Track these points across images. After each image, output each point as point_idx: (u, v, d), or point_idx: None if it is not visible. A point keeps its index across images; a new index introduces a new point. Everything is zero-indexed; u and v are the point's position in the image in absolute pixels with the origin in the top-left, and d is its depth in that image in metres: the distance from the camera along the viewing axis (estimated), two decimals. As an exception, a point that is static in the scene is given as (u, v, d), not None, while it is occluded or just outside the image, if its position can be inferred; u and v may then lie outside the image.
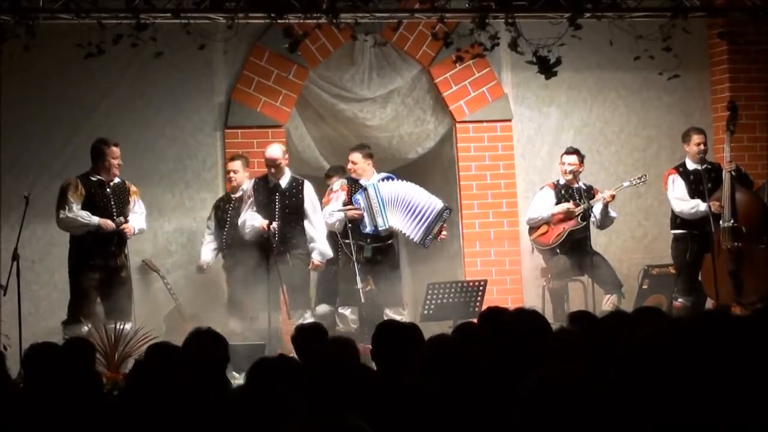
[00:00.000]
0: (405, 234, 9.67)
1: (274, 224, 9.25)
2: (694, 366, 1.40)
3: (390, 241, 9.74)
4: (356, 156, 9.67)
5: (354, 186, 9.64)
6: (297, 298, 9.32)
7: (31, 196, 8.98)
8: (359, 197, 9.59)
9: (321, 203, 9.65)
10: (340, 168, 10.03)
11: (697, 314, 1.50)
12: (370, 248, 9.56)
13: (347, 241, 9.41)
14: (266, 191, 9.45)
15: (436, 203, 9.68)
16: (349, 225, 9.43)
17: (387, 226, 9.56)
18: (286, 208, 9.40)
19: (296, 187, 9.50)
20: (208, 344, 5.02)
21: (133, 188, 9.30)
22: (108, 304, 9.00)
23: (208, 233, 9.83)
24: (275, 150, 9.48)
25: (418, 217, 9.61)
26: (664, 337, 1.45)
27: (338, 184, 9.74)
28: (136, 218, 9.26)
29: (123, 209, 9.11)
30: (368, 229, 9.57)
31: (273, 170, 9.44)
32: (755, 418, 1.38)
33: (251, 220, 9.33)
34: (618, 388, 1.44)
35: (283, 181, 9.48)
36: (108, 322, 8.83)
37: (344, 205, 9.55)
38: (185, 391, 3.65)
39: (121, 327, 8.73)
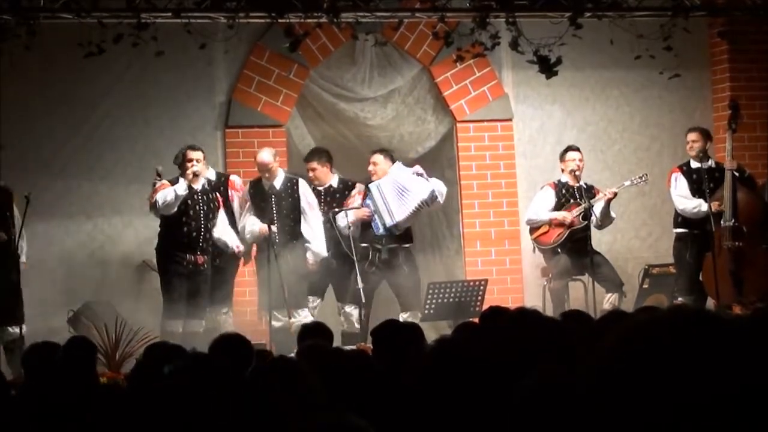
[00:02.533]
0: (419, 205, 9.62)
1: (274, 227, 9.26)
2: (673, 364, 1.40)
3: (408, 245, 9.74)
4: (378, 157, 9.73)
5: (368, 189, 9.73)
6: (297, 296, 9.33)
7: (31, 196, 8.97)
8: (368, 201, 9.64)
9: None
10: (321, 151, 9.83)
11: (676, 312, 1.50)
12: (386, 250, 9.56)
13: (364, 244, 9.47)
14: (262, 194, 9.45)
15: (425, 191, 9.63)
16: (350, 228, 9.42)
17: (395, 222, 9.57)
18: (284, 209, 9.41)
19: (291, 187, 9.50)
20: (232, 349, 4.97)
21: (15, 194, 9.09)
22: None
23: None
24: (266, 155, 9.47)
25: (405, 190, 9.62)
26: (640, 335, 1.45)
27: (357, 188, 9.75)
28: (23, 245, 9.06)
29: (5, 215, 8.99)
30: (380, 230, 9.59)
31: (267, 174, 9.45)
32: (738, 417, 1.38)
33: (251, 225, 9.31)
34: (597, 387, 1.44)
35: (278, 183, 9.47)
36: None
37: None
38: (186, 391, 3.64)
39: (14, 331, 8.69)
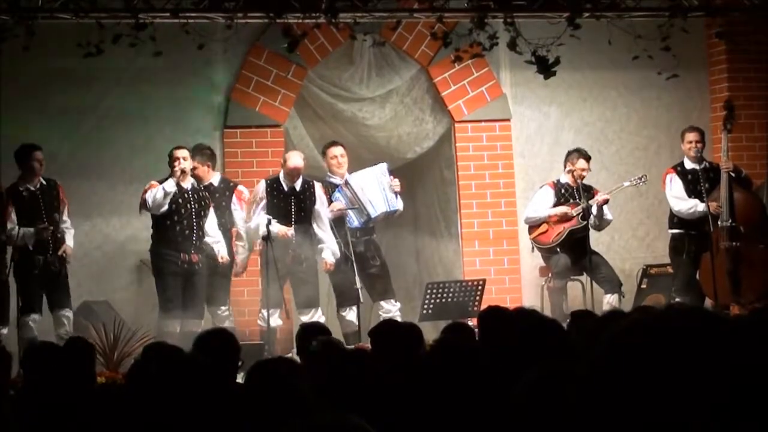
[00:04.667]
0: (385, 212, 9.68)
1: (291, 230, 9.30)
2: (667, 363, 1.41)
3: (374, 235, 9.79)
4: (340, 149, 9.73)
5: (330, 186, 9.68)
6: (313, 298, 9.41)
7: (30, 196, 8.99)
8: (339, 195, 9.63)
9: None
10: (202, 150, 9.68)
11: (672, 310, 1.51)
12: (362, 242, 9.61)
13: (337, 240, 9.47)
14: (281, 195, 9.46)
15: (379, 170, 9.78)
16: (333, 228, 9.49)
17: (377, 213, 9.61)
18: (302, 212, 9.47)
19: (309, 189, 9.54)
20: (218, 344, 4.97)
21: None
22: None
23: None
24: (299, 160, 9.53)
25: (383, 191, 9.68)
26: (637, 334, 1.46)
27: (317, 186, 9.73)
28: None
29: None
30: (356, 223, 9.62)
31: (296, 178, 9.48)
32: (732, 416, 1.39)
33: (265, 225, 9.23)
34: (593, 384, 1.45)
35: (297, 185, 9.51)
36: None
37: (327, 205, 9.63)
38: (185, 391, 3.64)
39: (2, 332, 8.72)
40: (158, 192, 9.05)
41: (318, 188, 9.58)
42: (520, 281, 10.70)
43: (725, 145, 9.97)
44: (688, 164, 10.00)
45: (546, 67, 9.23)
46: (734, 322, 1.48)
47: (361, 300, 9.32)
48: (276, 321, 9.26)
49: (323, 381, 3.52)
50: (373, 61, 10.51)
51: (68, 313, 8.94)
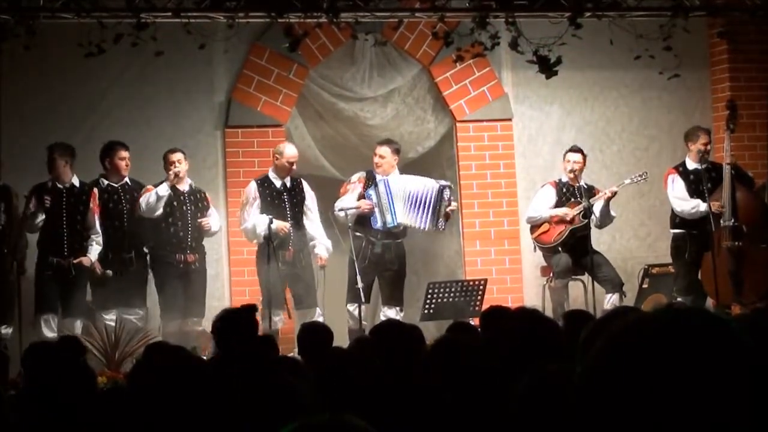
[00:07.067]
0: (414, 227, 9.69)
1: (288, 225, 9.31)
2: (664, 363, 1.40)
3: (400, 240, 9.75)
4: (385, 150, 9.73)
5: (370, 180, 9.69)
6: (311, 296, 9.42)
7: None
8: (372, 192, 9.63)
9: (339, 194, 9.75)
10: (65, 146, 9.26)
11: (669, 310, 1.50)
12: (380, 244, 9.59)
13: (358, 234, 9.47)
14: (274, 192, 9.46)
15: (432, 186, 9.71)
16: (350, 225, 9.45)
17: (396, 223, 9.60)
18: (295, 207, 9.49)
19: (298, 185, 9.62)
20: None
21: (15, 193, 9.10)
22: None
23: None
24: (295, 149, 9.59)
25: (422, 206, 9.65)
26: (633, 334, 1.46)
27: (357, 176, 9.77)
28: None
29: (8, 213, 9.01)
30: (378, 225, 9.61)
31: (290, 171, 9.49)
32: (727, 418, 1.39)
33: (265, 223, 9.22)
34: (588, 385, 1.45)
35: (288, 181, 9.53)
36: None
37: (359, 198, 9.59)
38: (186, 390, 3.64)
39: (6, 331, 8.73)
40: (151, 196, 9.10)
41: (305, 184, 9.62)
42: (522, 281, 10.70)
43: (728, 144, 9.96)
44: (690, 164, 10.00)
45: (548, 67, 9.24)
46: (734, 323, 1.48)
47: (362, 300, 9.30)
48: (278, 321, 9.27)
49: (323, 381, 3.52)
50: (375, 61, 10.51)
51: (76, 324, 8.91)
